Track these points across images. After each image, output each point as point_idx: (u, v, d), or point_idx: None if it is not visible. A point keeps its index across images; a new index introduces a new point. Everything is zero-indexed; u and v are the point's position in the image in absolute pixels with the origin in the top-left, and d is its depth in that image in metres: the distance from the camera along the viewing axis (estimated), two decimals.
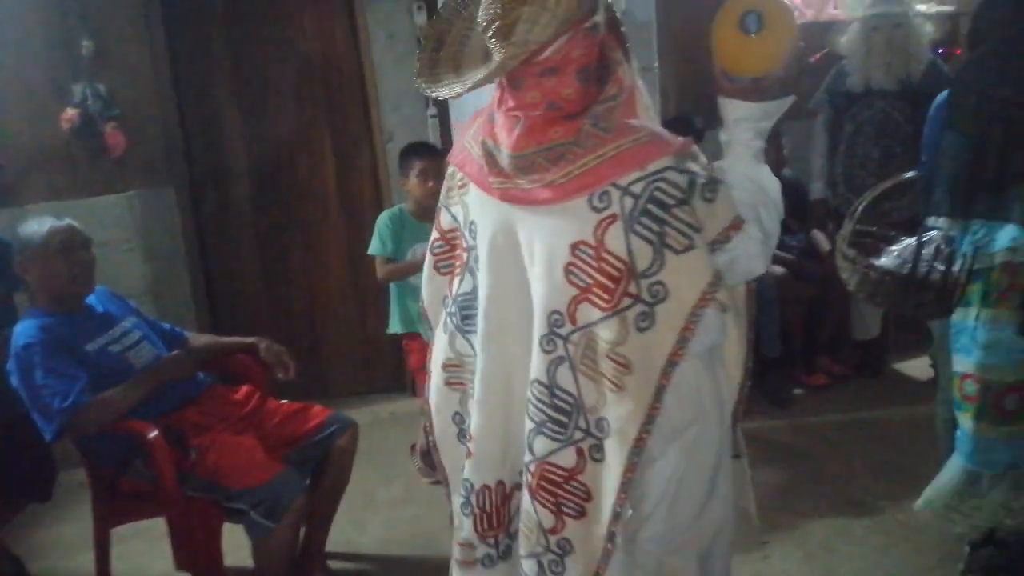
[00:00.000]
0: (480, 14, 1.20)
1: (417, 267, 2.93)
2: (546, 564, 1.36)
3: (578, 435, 1.29)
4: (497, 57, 1.16)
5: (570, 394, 1.28)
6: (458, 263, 1.46)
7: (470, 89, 1.22)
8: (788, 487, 2.75)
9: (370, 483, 2.98)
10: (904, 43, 3.20)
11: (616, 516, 1.30)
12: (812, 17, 3.79)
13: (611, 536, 1.31)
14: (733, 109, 1.31)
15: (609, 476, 1.29)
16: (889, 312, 3.32)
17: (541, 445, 1.32)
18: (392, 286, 3.00)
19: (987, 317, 1.66)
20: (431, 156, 2.98)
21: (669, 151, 1.21)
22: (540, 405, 1.30)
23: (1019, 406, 1.65)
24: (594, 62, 1.23)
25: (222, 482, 2.08)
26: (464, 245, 1.43)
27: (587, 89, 1.22)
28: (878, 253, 1.81)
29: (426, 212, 2.98)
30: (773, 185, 1.32)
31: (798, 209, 3.66)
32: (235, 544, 2.25)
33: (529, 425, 1.33)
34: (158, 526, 2.25)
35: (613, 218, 1.20)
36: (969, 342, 1.69)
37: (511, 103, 1.25)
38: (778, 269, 3.44)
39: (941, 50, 3.35)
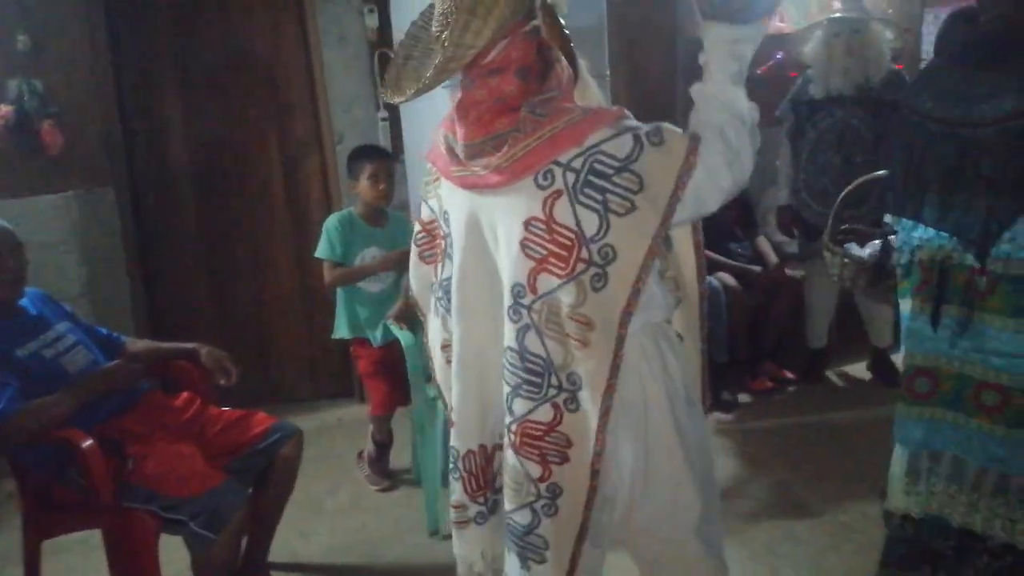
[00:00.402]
0: (434, 26, 1.36)
1: (367, 271, 2.90)
2: (539, 509, 1.47)
3: (552, 392, 1.41)
4: (441, 55, 1.29)
5: (539, 356, 1.40)
6: (439, 251, 1.60)
7: (417, 93, 1.35)
8: (733, 490, 2.79)
9: (316, 491, 2.94)
10: (862, 49, 3.22)
11: (598, 454, 1.42)
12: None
13: (594, 474, 1.43)
14: (709, 31, 1.37)
15: (586, 422, 1.41)
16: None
17: (520, 406, 1.44)
18: (340, 291, 2.95)
19: (909, 307, 1.77)
20: (381, 158, 2.94)
21: (602, 123, 1.32)
22: (514, 370, 1.43)
23: (929, 390, 1.73)
24: (533, 61, 1.36)
25: (160, 492, 2.01)
26: (442, 233, 1.58)
27: (527, 85, 1.35)
28: (861, 245, 1.97)
29: (376, 215, 2.95)
30: (745, 106, 1.38)
31: (744, 217, 3.72)
32: (174, 556, 2.19)
33: (507, 389, 1.45)
34: (94, 537, 2.18)
35: (559, 193, 1.33)
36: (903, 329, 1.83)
37: (464, 100, 1.39)
38: (725, 276, 3.48)
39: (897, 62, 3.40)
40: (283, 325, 3.86)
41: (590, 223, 1.33)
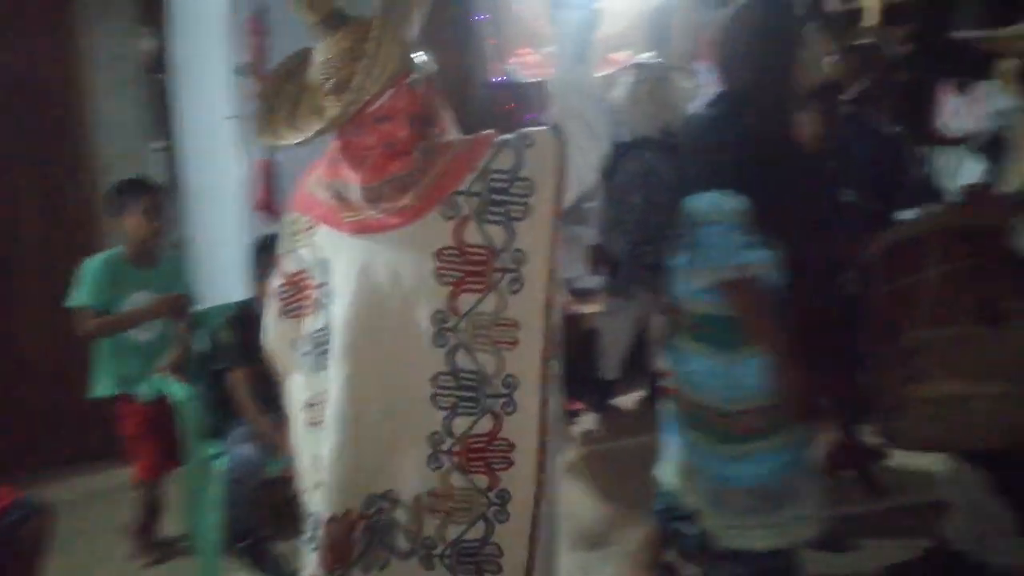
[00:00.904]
0: (314, 75, 1.46)
1: (135, 319, 2.58)
2: (491, 516, 1.54)
3: (489, 402, 1.51)
4: (334, 110, 1.41)
5: (472, 371, 1.50)
6: (307, 303, 1.61)
7: (319, 135, 1.43)
8: None
9: (73, 571, 2.54)
10: (665, 95, 3.36)
11: (542, 446, 1.52)
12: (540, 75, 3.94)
13: (540, 466, 1.53)
14: (555, 18, 1.69)
15: (526, 421, 1.52)
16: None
17: (460, 425, 1.51)
18: (105, 342, 2.61)
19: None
20: (154, 192, 2.66)
21: (485, 146, 1.50)
22: (449, 392, 1.51)
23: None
24: (421, 110, 1.48)
25: None
26: (314, 283, 1.59)
27: (417, 131, 1.48)
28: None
29: (146, 256, 2.64)
30: (593, 81, 1.73)
31: None
32: None
33: (442, 415, 1.51)
34: None
35: (466, 219, 1.47)
36: None
37: (352, 147, 1.49)
38: None
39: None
40: (34, 380, 3.34)
41: (498, 236, 1.48)
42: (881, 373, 1.86)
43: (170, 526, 2.78)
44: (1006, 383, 1.68)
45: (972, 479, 2.11)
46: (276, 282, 1.66)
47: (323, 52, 1.44)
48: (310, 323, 1.59)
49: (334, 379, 1.52)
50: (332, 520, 1.52)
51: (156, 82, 3.31)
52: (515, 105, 3.59)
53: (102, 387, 2.62)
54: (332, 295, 1.54)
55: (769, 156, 1.72)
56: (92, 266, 2.58)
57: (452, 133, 1.55)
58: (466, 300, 1.49)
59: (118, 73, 3.29)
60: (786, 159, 1.79)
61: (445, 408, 1.51)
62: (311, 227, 1.59)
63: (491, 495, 1.54)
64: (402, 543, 1.57)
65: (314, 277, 1.59)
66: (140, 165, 3.30)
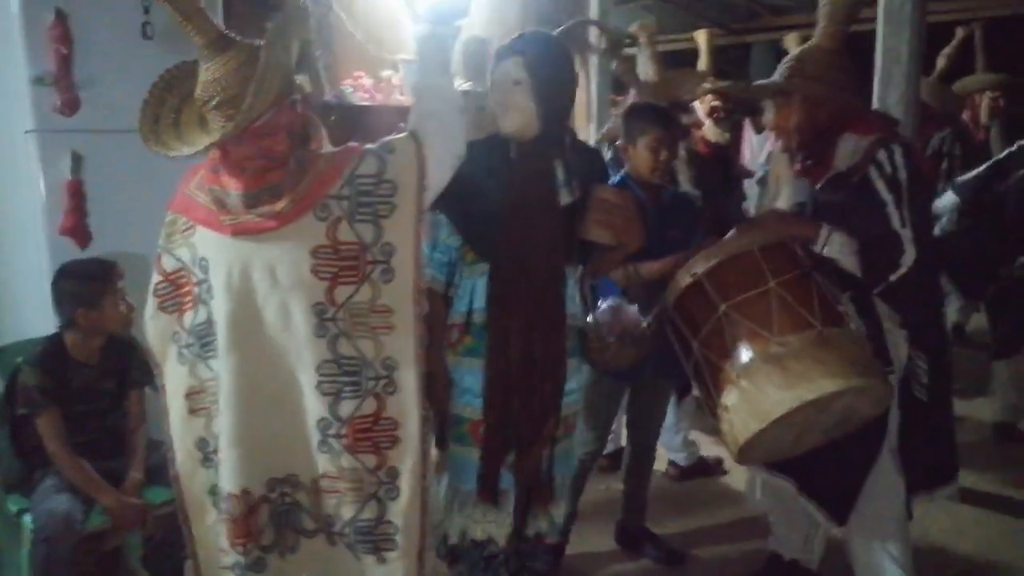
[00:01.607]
0: (199, 92, 1.60)
1: None
2: (383, 496, 1.71)
3: (371, 384, 1.68)
4: (219, 123, 1.58)
5: (353, 357, 1.67)
6: (187, 299, 1.75)
7: (208, 148, 1.61)
8: None
9: None
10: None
11: (424, 419, 1.72)
12: (382, 101, 3.92)
13: (424, 439, 1.71)
14: (419, 31, 1.89)
15: (407, 398, 1.70)
16: None
17: (346, 407, 1.68)
18: None
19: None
20: None
21: (351, 156, 1.69)
22: (332, 378, 1.67)
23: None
24: (299, 127, 1.68)
25: None
26: (194, 280, 1.74)
27: (295, 146, 1.66)
28: None
29: None
30: (453, 91, 1.94)
31: None
32: None
33: (327, 400, 1.67)
34: None
35: (338, 219, 1.65)
36: None
37: (233, 156, 1.64)
38: None
39: None
40: None
41: (367, 232, 1.66)
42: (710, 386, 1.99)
43: None
44: (865, 377, 1.82)
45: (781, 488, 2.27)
46: (154, 279, 1.79)
47: (210, 71, 1.58)
48: (190, 317, 1.75)
49: (222, 370, 1.69)
50: (231, 497, 1.70)
51: None
52: (342, 125, 3.51)
53: None
54: (212, 291, 1.70)
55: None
56: None
57: (325, 147, 1.73)
58: (342, 292, 1.65)
59: None
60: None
61: (330, 394, 1.68)
62: (189, 228, 1.73)
63: (380, 474, 1.71)
64: (307, 523, 1.78)
65: (194, 274, 1.74)
66: None
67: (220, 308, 1.68)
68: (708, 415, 2.07)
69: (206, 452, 1.78)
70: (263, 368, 1.69)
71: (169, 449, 1.81)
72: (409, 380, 1.70)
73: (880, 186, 1.94)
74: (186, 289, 1.75)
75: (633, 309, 2.04)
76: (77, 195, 2.56)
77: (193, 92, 1.64)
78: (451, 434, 1.99)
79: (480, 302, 1.93)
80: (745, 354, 1.87)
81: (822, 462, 2.06)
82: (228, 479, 1.70)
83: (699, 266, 1.97)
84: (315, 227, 1.64)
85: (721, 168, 3.73)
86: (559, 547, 2.32)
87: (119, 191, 2.66)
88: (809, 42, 2.12)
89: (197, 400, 1.77)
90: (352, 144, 1.72)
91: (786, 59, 2.12)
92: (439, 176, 1.73)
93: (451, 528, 2.03)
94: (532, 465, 1.93)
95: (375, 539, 1.72)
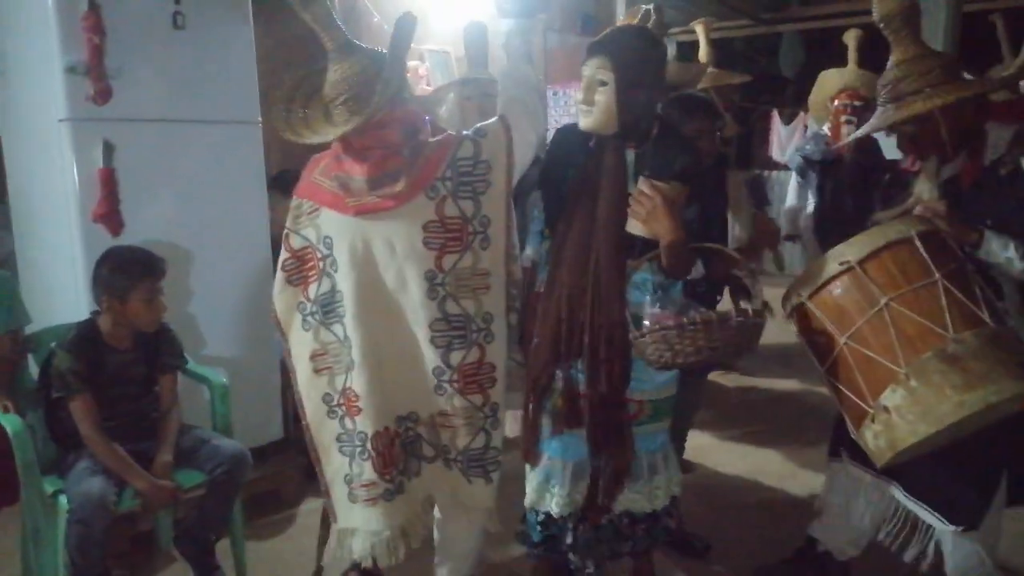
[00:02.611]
0: (328, 89, 1.88)
1: None
2: (488, 427, 2.02)
3: (474, 335, 1.98)
4: (344, 117, 1.86)
5: (459, 315, 1.96)
6: (312, 272, 2.03)
7: (336, 137, 1.89)
8: None
9: None
10: (495, 112, 3.37)
11: (513, 361, 2.09)
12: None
13: (508, 375, 2.05)
14: (505, 25, 2.17)
15: (499, 345, 2.01)
16: None
17: (455, 357, 1.97)
18: None
19: None
20: None
21: (451, 143, 1.95)
22: (443, 333, 1.95)
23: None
24: (410, 120, 1.94)
25: None
26: (319, 256, 2.01)
27: (407, 136, 1.92)
28: None
29: None
30: (534, 78, 2.22)
31: None
32: None
33: (440, 352, 1.96)
34: None
35: (444, 198, 1.92)
36: None
37: (356, 146, 1.91)
38: None
39: None
40: None
41: (468, 207, 1.93)
42: None
43: (7, 570, 2.55)
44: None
45: (846, 481, 2.24)
46: (283, 256, 2.06)
47: (338, 72, 1.85)
48: (314, 288, 2.02)
49: (352, 331, 1.96)
50: (376, 435, 1.97)
51: None
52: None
53: None
54: (337, 264, 1.97)
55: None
56: None
57: (431, 136, 1.97)
58: (449, 260, 1.93)
59: None
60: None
61: (442, 347, 1.96)
62: (315, 210, 2.00)
63: (485, 409, 2.01)
64: (427, 451, 2.07)
65: (319, 251, 2.00)
66: None
67: (346, 278, 1.96)
68: (845, 412, 1.93)
69: (331, 405, 2.04)
70: (385, 327, 1.96)
71: (300, 404, 2.08)
72: (502, 329, 2.01)
73: None
74: (311, 264, 2.03)
75: (701, 311, 1.94)
76: (109, 183, 2.59)
77: (318, 89, 1.91)
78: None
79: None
80: (916, 353, 1.73)
81: (940, 466, 1.97)
82: (373, 421, 1.97)
83: (851, 253, 1.84)
84: (426, 205, 1.91)
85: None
86: (658, 528, 2.25)
87: (150, 179, 2.71)
88: (895, 57, 1.99)
89: (320, 361, 2.03)
90: (449, 133, 1.99)
91: (889, 81, 1.99)
92: (524, 154, 2.01)
93: (532, 496, 2.16)
94: (614, 443, 2.02)
95: (484, 463, 2.03)
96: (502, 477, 2.09)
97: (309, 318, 2.04)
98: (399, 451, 2.02)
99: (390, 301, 1.96)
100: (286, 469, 3.09)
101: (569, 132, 2.08)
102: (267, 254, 3.03)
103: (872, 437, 1.81)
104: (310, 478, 3.17)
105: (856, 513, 2.26)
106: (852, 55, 3.86)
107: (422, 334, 1.95)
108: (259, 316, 3.01)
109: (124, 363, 2.37)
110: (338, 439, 2.06)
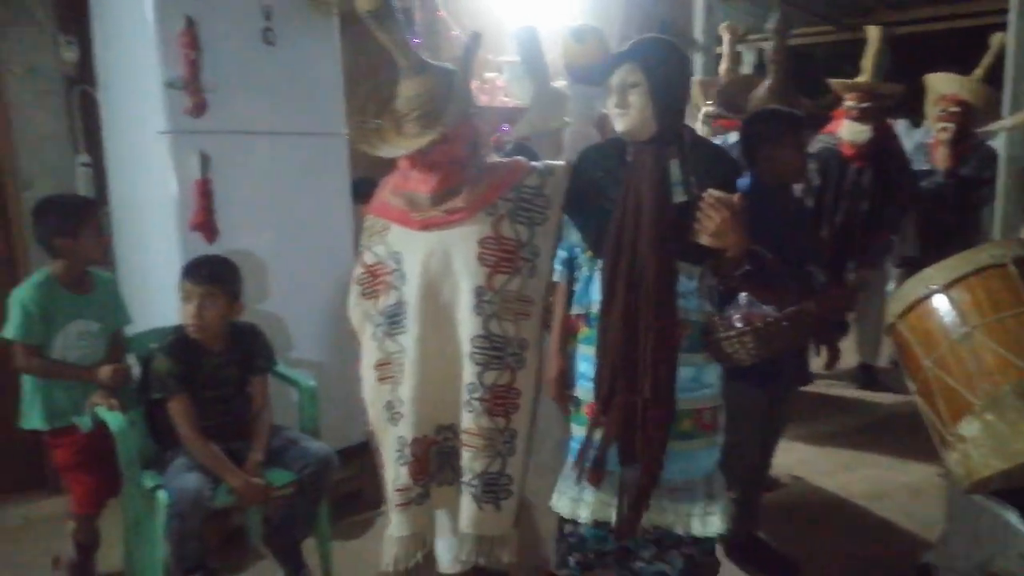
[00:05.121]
0: (400, 104, 1.98)
1: (73, 376, 2.44)
2: (504, 452, 2.04)
3: (510, 359, 2.02)
4: (415, 131, 1.95)
5: (500, 336, 2.01)
6: (381, 286, 2.11)
7: (408, 150, 1.97)
8: None
9: None
10: (541, 125, 3.32)
11: (537, 391, 2.08)
12: (487, 103, 3.98)
13: (535, 406, 2.08)
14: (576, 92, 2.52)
15: (529, 374, 2.05)
16: None
17: (489, 376, 2.01)
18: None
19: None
20: (98, 211, 2.56)
21: (520, 170, 2.06)
22: (483, 351, 2.00)
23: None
24: (472, 136, 2.05)
25: None
26: (387, 270, 2.09)
27: (471, 152, 2.03)
28: None
29: (81, 280, 2.49)
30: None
31: None
32: None
33: (476, 369, 2.00)
34: None
35: (502, 217, 2.01)
36: None
37: (422, 162, 1.99)
38: None
39: None
40: None
41: (523, 233, 2.02)
42: None
43: (109, 559, 2.67)
44: None
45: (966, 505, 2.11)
46: (357, 271, 2.16)
47: (411, 88, 1.96)
48: (383, 301, 2.10)
49: (409, 340, 2.04)
50: (415, 441, 2.04)
51: (82, 94, 3.17)
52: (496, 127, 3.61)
53: (34, 420, 2.48)
54: (403, 277, 2.05)
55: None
56: (25, 297, 2.40)
57: (490, 153, 2.12)
58: (499, 279, 2.00)
59: (38, 84, 3.14)
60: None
61: (480, 364, 2.00)
62: (385, 228, 2.10)
63: (506, 434, 2.03)
64: (457, 466, 2.09)
65: (387, 265, 2.09)
66: (64, 180, 3.17)
67: (411, 290, 2.03)
68: (933, 434, 1.90)
69: (392, 412, 2.10)
70: (438, 337, 2.02)
71: (365, 410, 2.16)
72: (533, 359, 2.05)
73: None
74: (381, 278, 2.11)
75: (765, 308, 1.97)
76: (205, 193, 2.71)
77: (388, 101, 2.00)
78: (569, 416, 2.13)
79: (596, 295, 2.00)
80: (994, 385, 1.69)
81: None
82: (413, 428, 2.04)
83: (939, 277, 1.80)
84: (485, 221, 1.99)
85: (877, 169, 3.65)
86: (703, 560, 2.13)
87: (242, 189, 2.82)
88: None
89: (385, 371, 2.10)
90: (519, 159, 2.12)
91: None
92: None
93: (560, 504, 2.08)
94: (643, 453, 1.92)
95: (496, 489, 2.04)
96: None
97: (377, 329, 2.11)
98: (434, 459, 2.09)
99: (445, 313, 2.02)
100: (370, 471, 3.15)
101: (597, 151, 2.08)
102: (350, 261, 3.12)
103: (954, 464, 1.78)
104: None
105: (977, 540, 2.12)
106: (986, 60, 3.76)
107: (464, 347, 2.01)
108: (343, 322, 3.09)
109: (218, 365, 2.47)
110: (398, 446, 2.11)
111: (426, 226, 2.01)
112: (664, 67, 1.89)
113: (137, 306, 2.77)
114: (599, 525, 2.05)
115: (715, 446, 2.04)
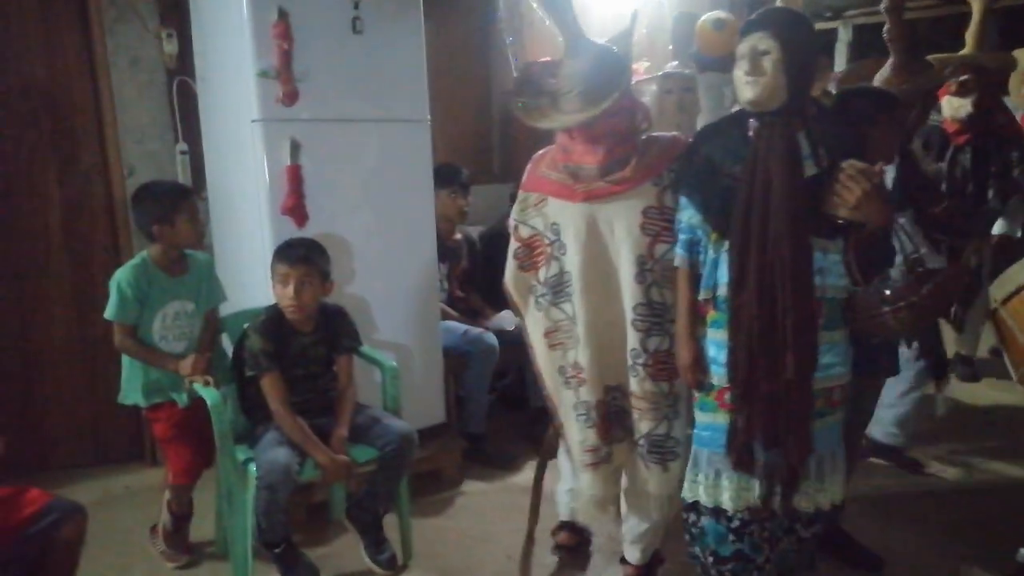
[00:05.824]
0: (561, 82, 2.07)
1: (162, 364, 2.53)
2: (670, 416, 2.14)
3: (670, 326, 2.09)
4: (575, 107, 2.01)
5: (660, 303, 2.10)
6: (540, 258, 2.22)
7: (572, 125, 2.05)
8: None
9: (103, 574, 2.57)
10: (693, 107, 3.34)
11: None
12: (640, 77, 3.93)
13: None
14: (706, 78, 2.65)
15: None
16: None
17: (652, 342, 2.11)
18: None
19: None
20: (194, 196, 2.68)
21: (680, 144, 2.11)
22: (645, 317, 2.10)
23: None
24: (634, 109, 2.12)
25: None
26: (546, 242, 2.20)
27: (632, 124, 2.10)
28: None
29: (177, 262, 2.61)
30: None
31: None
32: None
33: (639, 336, 2.10)
34: None
35: (666, 188, 2.07)
36: None
37: (587, 136, 2.07)
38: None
39: None
40: (57, 380, 3.38)
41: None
42: None
43: (201, 529, 2.79)
44: None
45: None
46: (513, 245, 2.25)
47: (572, 66, 2.05)
48: (544, 272, 2.21)
49: (578, 309, 2.15)
50: (598, 403, 2.18)
51: (181, 84, 3.31)
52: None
53: (132, 396, 2.60)
54: (564, 248, 2.15)
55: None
56: (124, 279, 2.51)
57: (650, 126, 2.15)
58: (660, 248, 2.07)
59: (141, 76, 3.30)
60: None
61: (641, 330, 2.10)
62: (541, 200, 2.19)
63: (669, 398, 2.13)
64: (627, 424, 2.21)
65: (546, 237, 2.19)
66: (164, 167, 3.32)
67: (573, 260, 2.13)
68: None
69: (566, 376, 2.22)
70: (604, 304, 2.12)
71: (539, 378, 2.29)
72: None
73: None
74: (539, 250, 2.22)
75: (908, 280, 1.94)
76: (296, 179, 2.80)
77: (544, 78, 2.09)
78: (698, 401, 2.06)
79: (724, 277, 1.93)
80: None
81: None
82: (595, 391, 2.17)
83: None
84: (650, 191, 2.07)
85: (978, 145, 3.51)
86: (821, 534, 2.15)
87: (330, 175, 2.89)
88: None
89: (553, 337, 2.22)
90: (676, 134, 2.21)
91: None
92: None
93: (688, 492, 2.05)
94: (790, 436, 1.89)
95: (663, 451, 2.14)
96: None
97: (541, 299, 2.22)
98: (610, 419, 2.20)
99: (608, 281, 2.12)
100: (447, 451, 3.22)
101: (717, 128, 2.02)
102: (433, 245, 3.17)
103: None
104: (469, 460, 3.32)
105: None
106: None
107: (627, 315, 2.10)
108: (425, 305, 3.17)
109: (307, 345, 2.55)
110: (574, 408, 2.23)
111: (588, 198, 2.09)
112: (795, 36, 1.84)
113: (230, 288, 2.87)
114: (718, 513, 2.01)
115: (840, 422, 2.02)
